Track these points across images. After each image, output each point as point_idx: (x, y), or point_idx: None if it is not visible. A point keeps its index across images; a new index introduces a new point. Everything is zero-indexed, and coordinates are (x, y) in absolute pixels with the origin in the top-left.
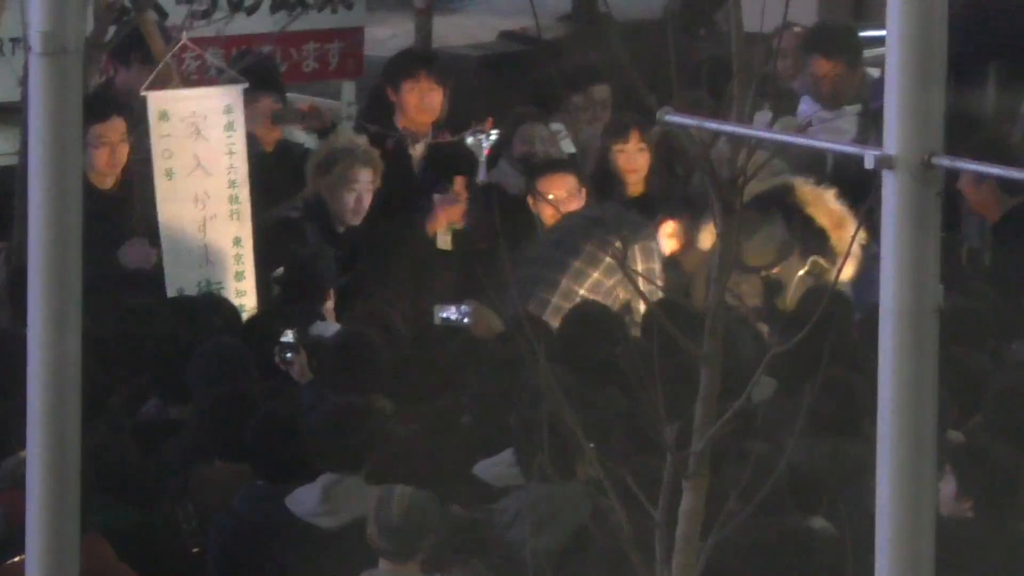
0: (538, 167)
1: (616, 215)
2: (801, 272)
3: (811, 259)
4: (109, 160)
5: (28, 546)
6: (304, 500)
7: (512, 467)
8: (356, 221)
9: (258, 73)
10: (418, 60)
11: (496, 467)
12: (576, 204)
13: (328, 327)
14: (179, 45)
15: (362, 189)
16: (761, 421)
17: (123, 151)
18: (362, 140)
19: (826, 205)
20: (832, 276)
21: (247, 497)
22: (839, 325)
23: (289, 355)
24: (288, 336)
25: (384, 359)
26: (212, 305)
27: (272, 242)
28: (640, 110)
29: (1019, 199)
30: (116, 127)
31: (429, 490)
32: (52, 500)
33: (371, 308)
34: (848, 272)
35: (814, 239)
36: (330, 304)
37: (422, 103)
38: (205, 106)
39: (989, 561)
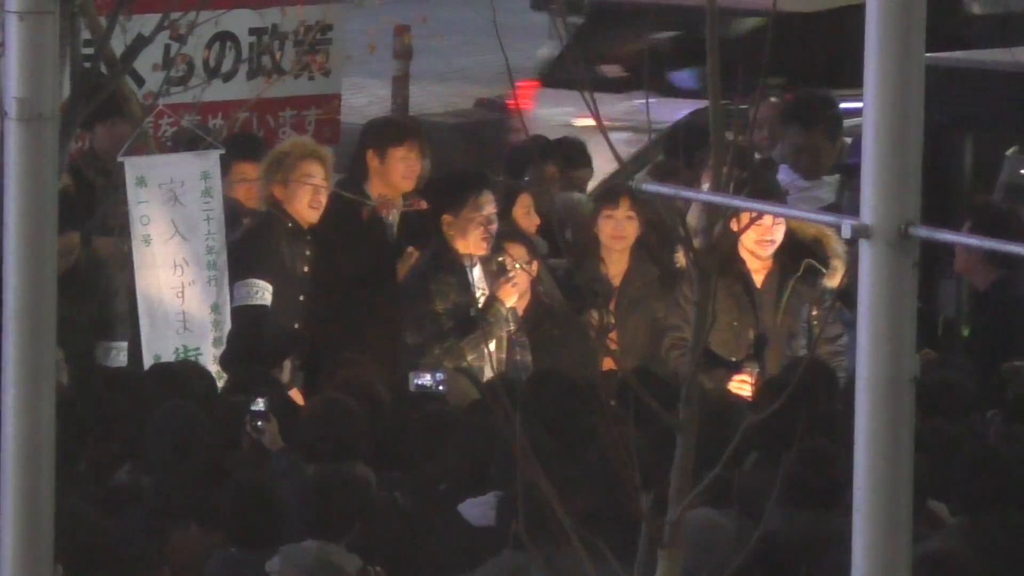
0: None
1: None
2: (797, 275)
3: (804, 262)
4: None
5: None
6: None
7: (492, 509)
8: (315, 218)
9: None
10: (407, 129)
11: (479, 507)
12: (526, 276)
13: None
14: (155, 111)
15: (316, 183)
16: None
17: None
18: (309, 139)
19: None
20: (825, 279)
21: (221, 563)
22: (820, 394)
23: (260, 423)
24: (259, 404)
25: (362, 427)
26: (188, 372)
27: (240, 253)
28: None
29: (1004, 270)
30: (68, 239)
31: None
32: (25, 567)
33: (354, 375)
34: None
35: (803, 249)
36: (286, 375)
37: (408, 171)
38: (182, 172)
39: None
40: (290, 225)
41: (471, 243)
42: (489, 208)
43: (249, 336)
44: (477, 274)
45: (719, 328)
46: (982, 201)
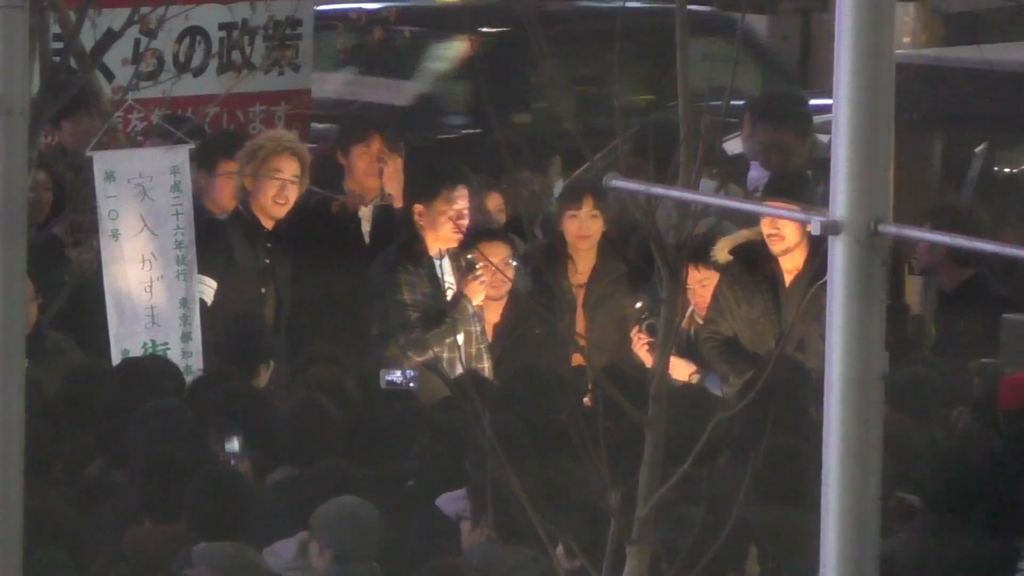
0: (475, 234)
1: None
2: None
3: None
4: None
5: None
6: (281, 553)
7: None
8: (280, 213)
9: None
10: (366, 125)
11: (458, 501)
12: (510, 272)
13: None
14: (125, 106)
15: (285, 178)
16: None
17: (34, 309)
18: (292, 134)
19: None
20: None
21: (197, 556)
22: (790, 391)
23: (234, 463)
24: (234, 443)
25: (338, 428)
26: (157, 367)
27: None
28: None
29: (972, 270)
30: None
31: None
32: None
33: (324, 373)
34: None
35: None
36: (263, 380)
37: (371, 167)
38: (151, 167)
39: None
40: (250, 221)
41: (440, 236)
42: (461, 203)
43: (236, 339)
44: (445, 267)
45: (743, 324)
46: (942, 202)
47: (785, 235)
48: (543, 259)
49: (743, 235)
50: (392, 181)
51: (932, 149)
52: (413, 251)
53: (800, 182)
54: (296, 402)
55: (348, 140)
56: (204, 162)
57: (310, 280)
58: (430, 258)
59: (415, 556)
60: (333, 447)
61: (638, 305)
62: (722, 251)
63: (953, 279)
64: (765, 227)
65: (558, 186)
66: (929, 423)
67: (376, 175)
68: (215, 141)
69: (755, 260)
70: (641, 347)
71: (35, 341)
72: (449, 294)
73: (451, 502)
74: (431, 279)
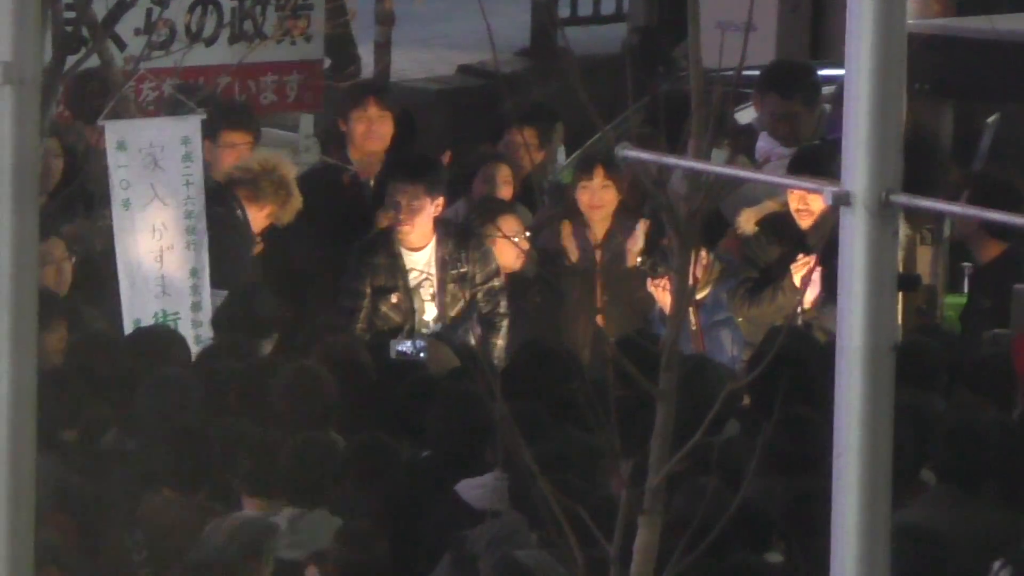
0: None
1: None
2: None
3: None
4: (55, 279)
5: None
6: None
7: (493, 491)
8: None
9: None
10: (367, 89)
11: (478, 489)
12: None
13: None
14: (137, 75)
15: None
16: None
17: (68, 269)
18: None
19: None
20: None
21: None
22: (801, 362)
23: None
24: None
25: (335, 395)
26: (165, 336)
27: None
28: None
29: (1008, 245)
30: (55, 245)
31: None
32: (6, 531)
33: (337, 342)
34: None
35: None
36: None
37: (371, 131)
38: (163, 137)
39: None
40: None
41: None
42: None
43: (240, 311)
44: (426, 257)
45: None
46: (985, 171)
47: (814, 210)
48: (557, 225)
49: (767, 206)
50: (382, 141)
51: (943, 119)
52: (378, 240)
53: (823, 157)
54: (289, 370)
55: (346, 107)
56: (207, 132)
57: (323, 252)
58: (397, 250)
59: (430, 535)
60: (328, 415)
61: (639, 260)
62: (748, 222)
63: (988, 252)
64: (793, 202)
65: (560, 153)
66: (939, 394)
67: (377, 139)
68: (218, 111)
69: (781, 231)
70: (660, 292)
71: (73, 314)
72: (424, 284)
73: (474, 489)
74: (390, 270)
